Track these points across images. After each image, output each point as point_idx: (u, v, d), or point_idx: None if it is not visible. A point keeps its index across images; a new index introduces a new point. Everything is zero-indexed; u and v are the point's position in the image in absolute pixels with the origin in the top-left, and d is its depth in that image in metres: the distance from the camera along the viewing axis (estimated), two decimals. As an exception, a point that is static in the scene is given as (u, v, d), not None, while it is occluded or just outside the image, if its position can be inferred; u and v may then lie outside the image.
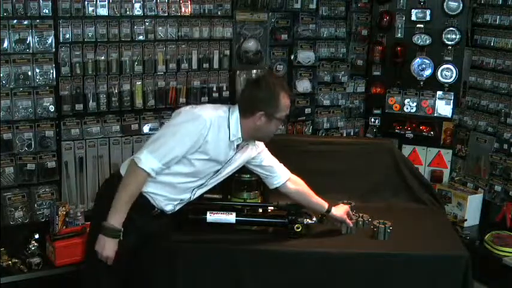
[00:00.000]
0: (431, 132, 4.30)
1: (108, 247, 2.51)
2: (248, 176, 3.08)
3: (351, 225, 2.99)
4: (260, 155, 2.89)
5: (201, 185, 2.74)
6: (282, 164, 2.97)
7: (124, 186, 2.52)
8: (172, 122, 2.61)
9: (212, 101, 4.06)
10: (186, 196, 2.74)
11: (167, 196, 2.68)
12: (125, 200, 2.51)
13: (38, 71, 3.43)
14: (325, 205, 2.98)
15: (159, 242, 2.78)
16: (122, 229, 2.51)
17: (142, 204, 2.63)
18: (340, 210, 3.01)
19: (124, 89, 3.74)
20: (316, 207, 2.98)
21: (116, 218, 2.50)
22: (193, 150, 2.55)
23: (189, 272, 2.79)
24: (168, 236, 2.84)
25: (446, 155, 4.27)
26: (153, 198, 2.66)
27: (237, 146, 2.70)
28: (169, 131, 2.56)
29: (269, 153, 2.93)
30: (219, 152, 2.63)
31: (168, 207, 2.71)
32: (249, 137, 2.68)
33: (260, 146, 2.88)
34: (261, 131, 2.65)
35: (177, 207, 2.76)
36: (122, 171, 2.62)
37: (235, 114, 2.63)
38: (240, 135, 2.63)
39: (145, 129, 3.82)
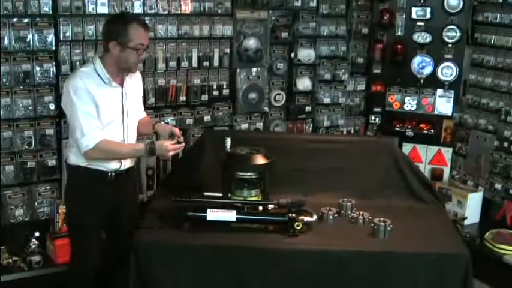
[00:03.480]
0: (432, 130, 4.30)
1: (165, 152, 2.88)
2: (248, 174, 3.07)
3: (178, 131, 3.04)
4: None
5: (123, 129, 2.92)
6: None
7: (115, 156, 2.87)
8: (68, 108, 2.81)
9: (212, 99, 4.07)
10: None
11: None
12: (123, 152, 2.90)
13: (38, 69, 3.44)
14: (152, 122, 3.22)
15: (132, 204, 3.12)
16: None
17: (93, 176, 2.86)
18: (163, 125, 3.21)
19: (124, 87, 3.74)
20: (147, 127, 3.17)
21: (135, 150, 2.93)
22: (93, 104, 2.77)
23: (189, 271, 2.79)
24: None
25: (447, 153, 4.27)
26: (98, 165, 2.86)
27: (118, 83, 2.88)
28: (71, 113, 2.77)
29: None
30: (106, 95, 2.82)
31: (113, 165, 2.90)
32: (114, 69, 2.84)
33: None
34: (121, 61, 2.81)
35: (123, 161, 2.94)
36: (70, 161, 2.91)
37: (97, 60, 2.83)
38: (107, 75, 2.81)
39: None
